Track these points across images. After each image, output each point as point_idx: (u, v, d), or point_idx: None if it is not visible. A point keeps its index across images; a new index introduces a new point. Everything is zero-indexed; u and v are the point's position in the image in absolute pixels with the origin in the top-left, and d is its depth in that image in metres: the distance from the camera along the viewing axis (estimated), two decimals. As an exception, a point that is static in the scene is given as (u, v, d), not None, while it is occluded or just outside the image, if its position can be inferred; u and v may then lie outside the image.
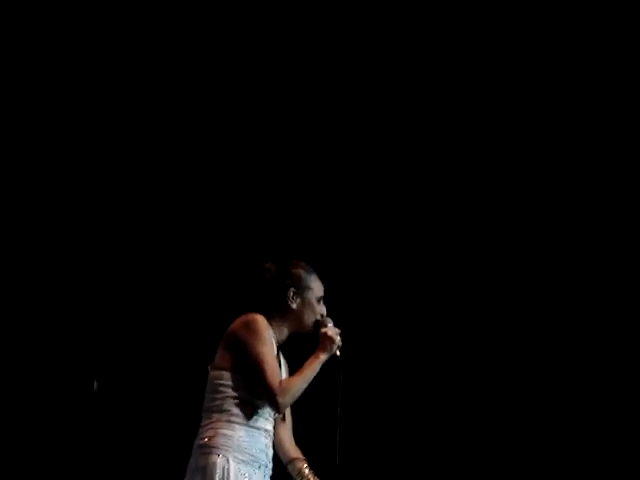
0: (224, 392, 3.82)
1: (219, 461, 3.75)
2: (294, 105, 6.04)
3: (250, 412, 3.83)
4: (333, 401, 3.91)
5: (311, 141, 6.08)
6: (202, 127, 6.08)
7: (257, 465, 3.84)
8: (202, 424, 3.85)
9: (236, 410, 3.81)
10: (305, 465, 4.03)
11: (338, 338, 3.92)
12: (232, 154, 6.09)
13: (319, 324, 3.96)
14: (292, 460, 4.04)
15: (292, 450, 4.04)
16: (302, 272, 3.98)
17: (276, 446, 3.98)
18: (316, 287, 3.99)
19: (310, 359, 3.88)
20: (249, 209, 6.08)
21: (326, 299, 3.97)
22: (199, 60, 6.04)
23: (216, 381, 3.85)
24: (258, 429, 3.86)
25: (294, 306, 3.95)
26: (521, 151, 5.97)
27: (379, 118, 6.08)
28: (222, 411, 3.81)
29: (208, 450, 3.78)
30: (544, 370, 5.88)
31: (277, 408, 3.82)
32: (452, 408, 5.95)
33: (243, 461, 3.79)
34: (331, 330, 3.93)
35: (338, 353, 3.92)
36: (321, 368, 3.86)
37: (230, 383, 3.82)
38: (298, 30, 6.02)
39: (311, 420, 4.20)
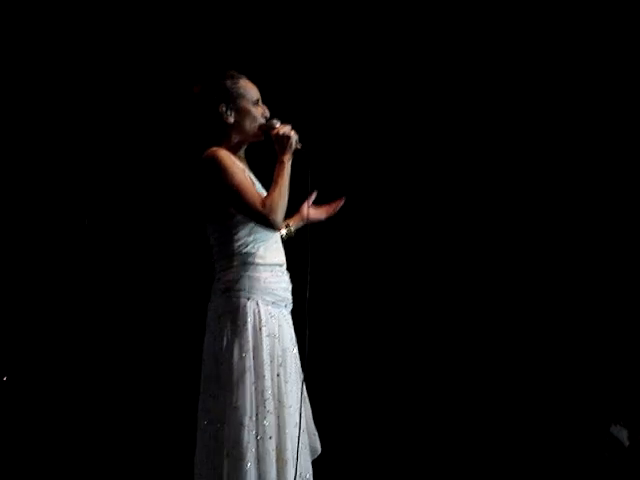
0: (230, 238, 3.74)
1: (249, 304, 3.70)
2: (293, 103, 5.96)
3: (264, 249, 3.76)
4: (304, 193, 3.85)
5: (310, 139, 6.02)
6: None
7: (284, 304, 3.81)
8: (221, 268, 3.75)
9: (251, 251, 3.74)
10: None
11: (292, 132, 3.79)
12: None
13: (267, 127, 3.82)
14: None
15: None
16: (228, 82, 3.82)
17: None
18: (248, 91, 3.84)
19: (277, 167, 3.75)
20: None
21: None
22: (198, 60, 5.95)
23: (218, 233, 3.77)
24: (280, 265, 3.81)
25: (231, 120, 3.80)
26: (521, 151, 5.94)
27: (376, 113, 6.02)
28: (241, 254, 3.73)
29: (236, 294, 3.71)
30: (536, 362, 5.90)
31: (273, 226, 3.71)
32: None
33: (271, 302, 3.75)
34: (282, 128, 3.79)
35: (299, 146, 3.80)
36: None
37: (232, 227, 3.73)
38: (298, 29, 5.92)
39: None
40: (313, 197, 4.08)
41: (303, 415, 3.73)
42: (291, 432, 3.68)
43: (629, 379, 5.76)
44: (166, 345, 5.80)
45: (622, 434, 5.42)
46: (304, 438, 3.75)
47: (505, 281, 5.95)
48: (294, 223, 4.08)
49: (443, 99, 5.97)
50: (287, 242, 3.99)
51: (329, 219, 4.15)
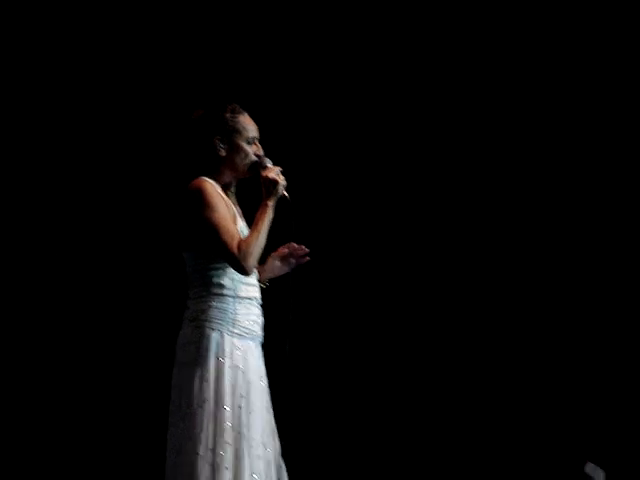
0: (205, 268, 3.76)
1: (213, 335, 3.73)
2: (292, 103, 5.99)
3: (237, 282, 3.77)
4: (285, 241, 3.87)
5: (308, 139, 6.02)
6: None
7: (250, 337, 3.81)
8: (192, 297, 3.79)
9: (224, 282, 3.76)
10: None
11: (281, 178, 3.80)
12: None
13: (257, 167, 3.83)
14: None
15: None
16: (227, 115, 3.83)
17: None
18: (245, 128, 3.84)
19: (260, 210, 3.76)
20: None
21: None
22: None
23: (193, 261, 3.79)
24: (250, 299, 3.82)
25: (223, 153, 3.81)
26: (521, 151, 5.94)
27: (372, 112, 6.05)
28: (211, 285, 3.75)
29: (201, 324, 3.74)
30: (533, 359, 5.88)
31: (243, 272, 3.72)
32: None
33: (237, 334, 3.77)
34: (271, 171, 3.80)
35: (285, 194, 3.82)
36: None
37: (205, 259, 3.76)
38: (297, 28, 5.98)
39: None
40: (285, 251, 4.06)
41: (271, 448, 3.77)
42: (251, 464, 3.68)
43: (607, 416, 5.70)
44: (140, 375, 5.84)
45: (598, 474, 5.39)
46: (269, 471, 3.76)
47: (504, 283, 5.93)
48: (264, 276, 4.05)
49: (437, 129, 6.00)
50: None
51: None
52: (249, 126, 3.87)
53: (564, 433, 5.79)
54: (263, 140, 3.92)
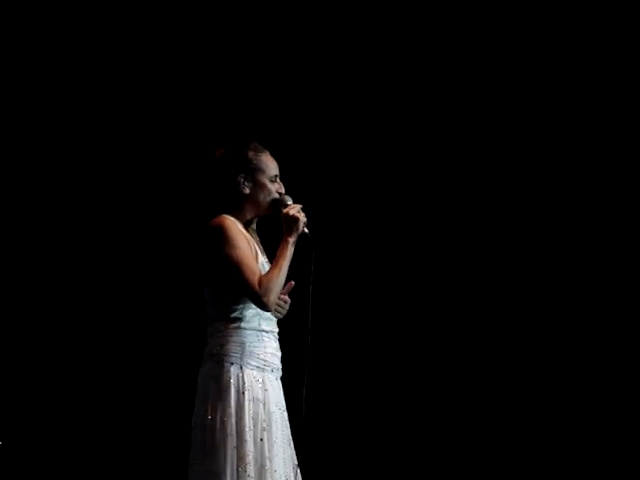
0: (224, 303, 3.81)
1: (232, 369, 3.76)
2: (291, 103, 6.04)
3: (254, 317, 3.82)
4: (307, 279, 3.87)
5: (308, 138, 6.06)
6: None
7: (270, 369, 3.84)
8: (211, 333, 3.84)
9: (242, 317, 3.80)
10: None
11: (302, 215, 3.87)
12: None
13: (279, 204, 3.90)
14: None
15: None
16: (250, 154, 3.91)
17: None
18: (267, 166, 3.92)
19: (280, 246, 3.83)
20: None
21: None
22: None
23: (213, 296, 3.84)
24: (267, 332, 3.86)
25: (247, 191, 3.88)
26: (521, 151, 5.96)
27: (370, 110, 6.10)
28: (229, 319, 3.80)
29: (220, 359, 3.78)
30: (532, 359, 5.91)
31: (265, 308, 3.78)
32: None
33: (256, 367, 3.80)
34: (292, 209, 3.87)
35: (306, 230, 3.87)
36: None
37: (225, 295, 3.81)
38: (297, 28, 6.03)
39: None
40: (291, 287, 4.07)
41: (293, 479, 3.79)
42: None
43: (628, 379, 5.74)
44: (160, 414, 5.87)
45: None
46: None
47: (503, 285, 5.96)
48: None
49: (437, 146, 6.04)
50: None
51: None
52: (271, 164, 3.95)
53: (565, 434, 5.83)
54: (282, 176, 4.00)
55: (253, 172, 3.89)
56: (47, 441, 5.87)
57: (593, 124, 5.88)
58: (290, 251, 3.83)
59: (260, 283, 3.74)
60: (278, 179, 3.96)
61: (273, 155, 3.98)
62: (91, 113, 5.98)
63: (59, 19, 5.92)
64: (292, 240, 3.84)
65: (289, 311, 3.94)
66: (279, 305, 3.88)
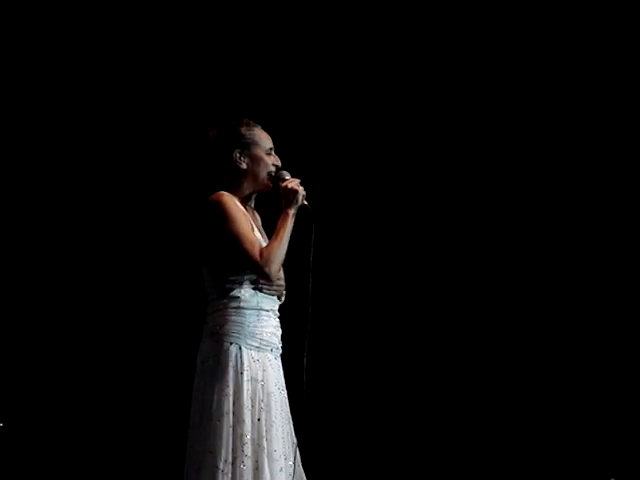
0: (223, 281, 3.79)
1: (232, 348, 3.75)
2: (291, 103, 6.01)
3: (253, 296, 3.80)
4: (306, 251, 3.84)
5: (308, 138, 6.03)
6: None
7: (269, 349, 3.83)
8: (210, 312, 3.83)
9: (241, 295, 3.79)
10: None
11: (300, 188, 3.86)
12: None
13: (277, 178, 3.90)
14: None
15: None
16: (243, 129, 3.91)
17: None
18: (262, 139, 3.92)
19: (281, 218, 3.82)
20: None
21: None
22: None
23: (212, 274, 3.83)
24: (267, 310, 3.84)
25: (244, 166, 3.89)
26: (521, 151, 5.94)
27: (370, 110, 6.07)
28: (229, 298, 3.78)
29: (220, 338, 3.76)
30: (531, 357, 5.90)
31: (267, 278, 3.77)
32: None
33: (255, 347, 3.79)
34: (291, 182, 3.87)
35: (305, 202, 3.86)
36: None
37: (224, 273, 3.79)
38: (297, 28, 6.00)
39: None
40: None
41: (294, 459, 3.78)
42: (272, 476, 3.69)
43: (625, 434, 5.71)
44: (159, 393, 5.88)
45: None
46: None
47: (503, 286, 5.94)
48: None
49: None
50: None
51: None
52: (265, 137, 3.95)
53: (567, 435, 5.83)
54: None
55: (248, 146, 3.90)
56: (43, 419, 5.89)
57: (593, 124, 5.86)
58: (290, 223, 3.81)
59: (261, 254, 3.74)
60: (273, 152, 3.95)
61: (268, 131, 3.98)
62: (86, 97, 5.98)
63: (54, 13, 5.93)
64: (292, 212, 3.83)
65: (288, 285, 3.93)
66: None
